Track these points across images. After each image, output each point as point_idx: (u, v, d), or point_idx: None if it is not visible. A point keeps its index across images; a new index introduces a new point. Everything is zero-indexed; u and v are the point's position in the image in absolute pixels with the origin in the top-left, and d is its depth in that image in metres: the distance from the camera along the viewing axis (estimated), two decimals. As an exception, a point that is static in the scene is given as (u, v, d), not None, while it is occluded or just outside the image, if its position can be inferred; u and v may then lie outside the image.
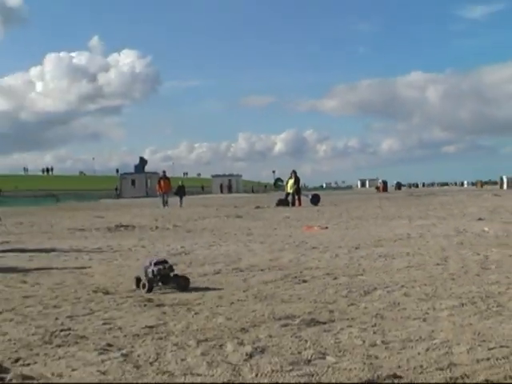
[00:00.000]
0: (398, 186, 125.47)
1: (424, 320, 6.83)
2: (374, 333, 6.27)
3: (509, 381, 4.67)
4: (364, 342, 5.94)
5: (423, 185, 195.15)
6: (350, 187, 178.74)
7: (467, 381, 4.68)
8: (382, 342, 5.90)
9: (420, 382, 4.69)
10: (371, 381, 4.72)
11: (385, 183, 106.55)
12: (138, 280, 9.17)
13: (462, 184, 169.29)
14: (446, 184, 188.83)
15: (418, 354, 5.47)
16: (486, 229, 18.24)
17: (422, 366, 5.06)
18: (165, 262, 9.31)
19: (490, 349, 5.52)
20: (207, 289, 9.10)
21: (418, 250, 13.26)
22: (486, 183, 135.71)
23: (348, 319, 6.92)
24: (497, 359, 5.20)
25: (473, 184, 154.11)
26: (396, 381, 4.73)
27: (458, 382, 4.64)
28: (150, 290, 8.85)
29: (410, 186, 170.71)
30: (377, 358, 5.40)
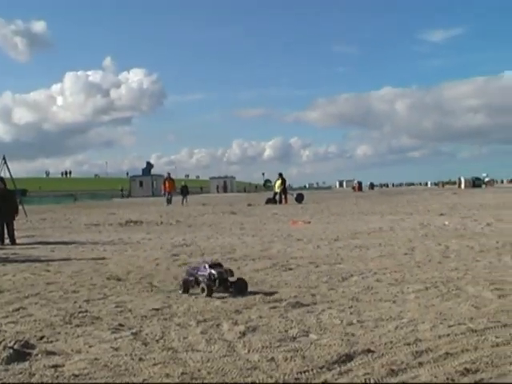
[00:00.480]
0: (371, 186, 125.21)
1: (394, 302, 6.85)
2: (351, 313, 6.29)
3: (465, 353, 4.69)
4: (342, 321, 5.95)
5: (393, 185, 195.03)
6: (329, 187, 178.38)
7: (430, 354, 4.70)
8: (358, 321, 5.92)
9: (391, 355, 4.71)
10: (348, 354, 4.74)
11: (360, 183, 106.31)
12: (186, 283, 7.72)
13: (426, 184, 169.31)
14: (413, 184, 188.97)
15: (389, 331, 5.49)
16: (447, 222, 18.29)
17: (392, 342, 5.08)
18: (220, 265, 7.83)
19: (449, 326, 5.55)
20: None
21: (388, 242, 13.29)
22: (447, 183, 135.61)
23: (328, 302, 6.94)
24: (456, 335, 5.22)
25: (435, 184, 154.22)
26: (370, 354, 4.75)
27: (423, 355, 4.66)
28: (209, 296, 7.36)
29: (381, 186, 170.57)
30: (353, 335, 5.42)
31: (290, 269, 9.63)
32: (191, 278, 7.75)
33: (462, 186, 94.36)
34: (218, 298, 7.26)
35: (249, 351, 4.99)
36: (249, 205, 39.29)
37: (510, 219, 18.99)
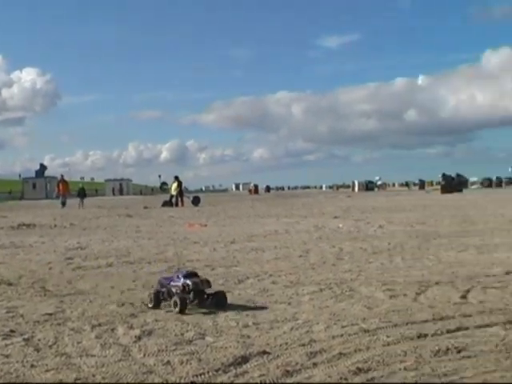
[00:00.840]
0: (268, 189, 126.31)
1: (289, 304, 6.93)
2: (247, 315, 6.31)
3: (358, 353, 4.79)
4: (238, 323, 5.97)
5: (288, 188, 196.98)
6: (226, 190, 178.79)
7: (324, 354, 4.78)
8: (254, 323, 5.96)
9: (286, 356, 4.76)
10: (244, 356, 4.76)
11: (256, 186, 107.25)
12: (157, 295, 6.84)
13: (321, 187, 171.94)
14: (308, 187, 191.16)
15: (284, 332, 5.55)
16: (341, 225, 18.63)
17: (287, 343, 5.14)
18: (196, 274, 7.04)
19: (343, 327, 5.66)
20: (101, 280, 8.96)
21: (284, 244, 13.42)
22: (341, 186, 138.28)
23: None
24: (349, 335, 5.33)
25: (330, 187, 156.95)
26: (265, 356, 4.79)
27: (317, 356, 4.73)
28: (183, 311, 6.46)
29: (277, 188, 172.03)
30: (249, 337, 5.45)
31: (187, 272, 9.59)
32: (163, 290, 6.87)
33: (356, 189, 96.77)
34: (114, 302, 7.15)
35: (144, 355, 4.95)
36: (145, 207, 39.02)
37: (400, 221, 19.56)
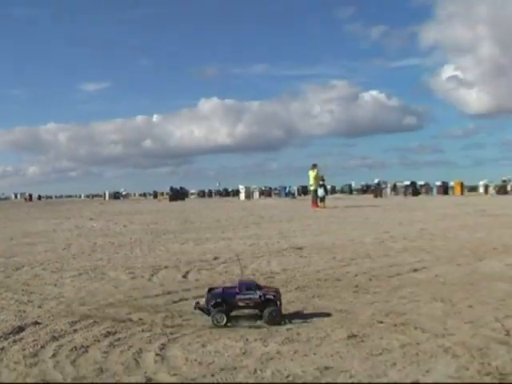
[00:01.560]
0: (39, 197, 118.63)
1: (55, 285, 6.62)
2: (23, 295, 5.95)
3: (106, 321, 4.73)
4: (16, 300, 5.62)
5: (56, 197, 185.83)
6: (7, 198, 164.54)
7: (83, 322, 4.65)
8: (28, 300, 5.63)
9: (52, 324, 4.58)
10: (20, 326, 4.50)
11: (30, 195, 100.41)
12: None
13: (81, 196, 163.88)
14: (71, 196, 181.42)
15: (51, 307, 5.31)
16: (95, 225, 18.14)
17: (53, 315, 4.92)
18: (258, 285, 4.65)
19: (98, 301, 5.55)
20: None
21: (51, 240, 12.72)
22: (96, 196, 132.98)
23: (4, 287, 6.47)
24: (102, 308, 5.25)
25: (87, 196, 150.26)
26: (37, 326, 4.56)
27: (77, 324, 4.61)
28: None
29: (47, 197, 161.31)
30: (24, 311, 5.14)
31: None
32: (218, 300, 4.51)
33: (107, 197, 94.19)
34: None
35: None
36: None
37: (139, 222, 19.41)
